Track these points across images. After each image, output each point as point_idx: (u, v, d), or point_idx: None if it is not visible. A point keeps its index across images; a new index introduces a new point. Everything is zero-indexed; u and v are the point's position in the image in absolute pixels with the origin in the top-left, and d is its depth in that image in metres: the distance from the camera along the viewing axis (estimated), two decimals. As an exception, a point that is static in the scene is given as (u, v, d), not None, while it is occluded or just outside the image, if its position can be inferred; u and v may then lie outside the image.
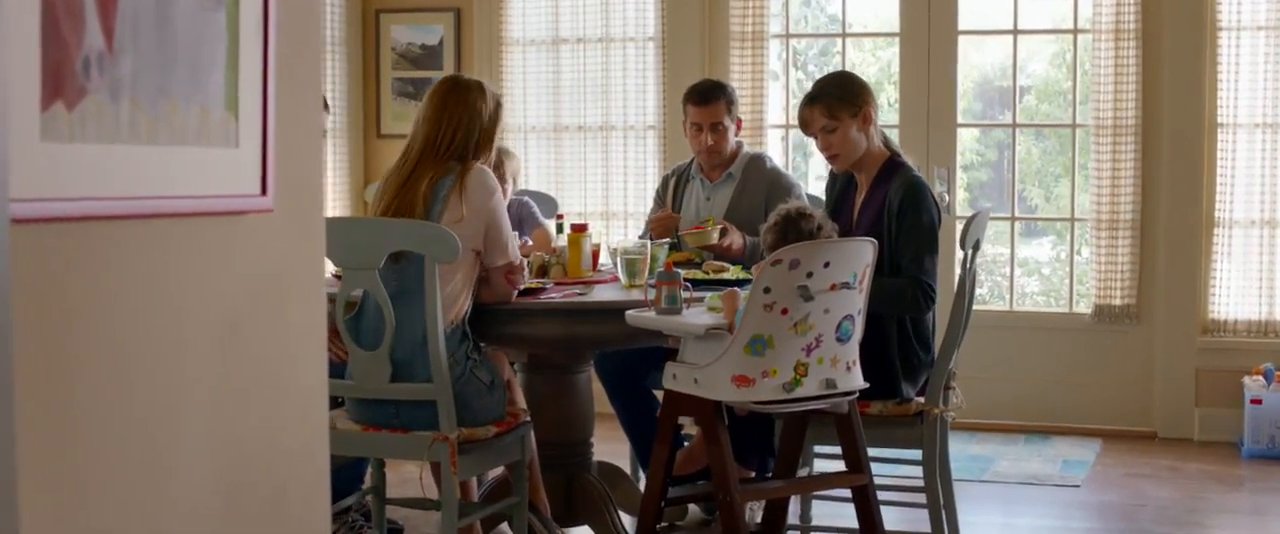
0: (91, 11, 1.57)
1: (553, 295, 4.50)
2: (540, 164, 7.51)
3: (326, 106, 5.08)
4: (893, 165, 4.66)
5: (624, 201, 7.38)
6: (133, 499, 1.70)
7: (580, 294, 4.56)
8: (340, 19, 7.39)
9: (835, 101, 4.66)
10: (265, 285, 1.91)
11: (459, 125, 4.25)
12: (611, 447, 5.95)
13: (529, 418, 4.45)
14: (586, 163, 7.45)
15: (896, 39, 7.21)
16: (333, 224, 4.30)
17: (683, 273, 4.61)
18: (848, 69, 7.09)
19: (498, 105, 4.37)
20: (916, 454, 4.61)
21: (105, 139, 1.60)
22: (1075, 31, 7.03)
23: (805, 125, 4.73)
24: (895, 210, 4.53)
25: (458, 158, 4.25)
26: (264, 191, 1.85)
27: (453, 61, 7.52)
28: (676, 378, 4.12)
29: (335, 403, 4.43)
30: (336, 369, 4.27)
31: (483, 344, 4.37)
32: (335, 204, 7.41)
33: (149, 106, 1.66)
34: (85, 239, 1.61)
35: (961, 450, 6.40)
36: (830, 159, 4.75)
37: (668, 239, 5.31)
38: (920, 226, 4.50)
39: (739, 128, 5.48)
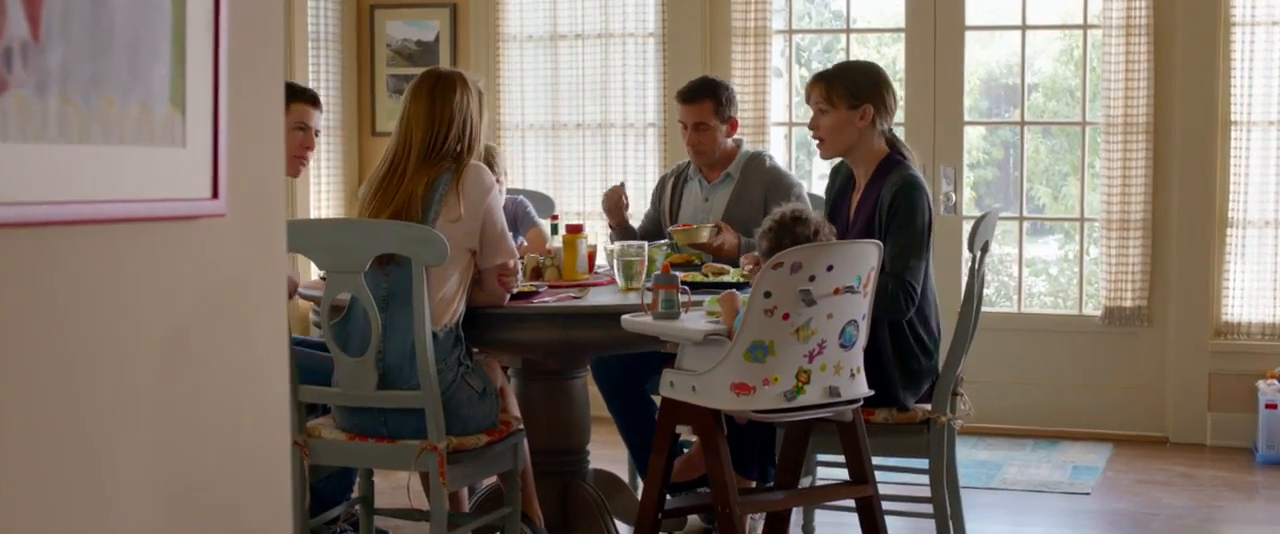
0: (14, -3, 1.42)
1: (546, 299, 4.35)
2: (538, 163, 7.36)
3: (319, 104, 4.91)
4: (891, 163, 4.51)
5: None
6: (67, 532, 1.55)
7: (575, 297, 4.41)
8: (333, 14, 7.25)
9: (839, 87, 4.51)
10: (218, 296, 1.75)
11: (448, 122, 4.10)
12: (609, 452, 5.81)
13: (522, 426, 4.30)
14: (585, 162, 7.29)
15: (902, 35, 7.06)
16: (317, 226, 4.16)
17: (681, 276, 4.46)
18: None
19: (481, 95, 4.22)
20: (923, 462, 4.47)
21: (30, 137, 1.45)
22: (1085, 27, 6.87)
23: (806, 99, 4.61)
24: (886, 207, 4.39)
25: (451, 156, 4.10)
26: (216, 194, 1.70)
27: (449, 58, 7.37)
28: (674, 385, 3.97)
29: (321, 410, 4.28)
30: (323, 375, 4.11)
31: (475, 350, 4.22)
32: (329, 203, 7.26)
33: (82, 102, 1.51)
34: (9, 247, 1.46)
35: (968, 456, 6.24)
36: (816, 141, 4.61)
37: (665, 240, 5.16)
38: (911, 225, 4.35)
39: (734, 128, 5.30)
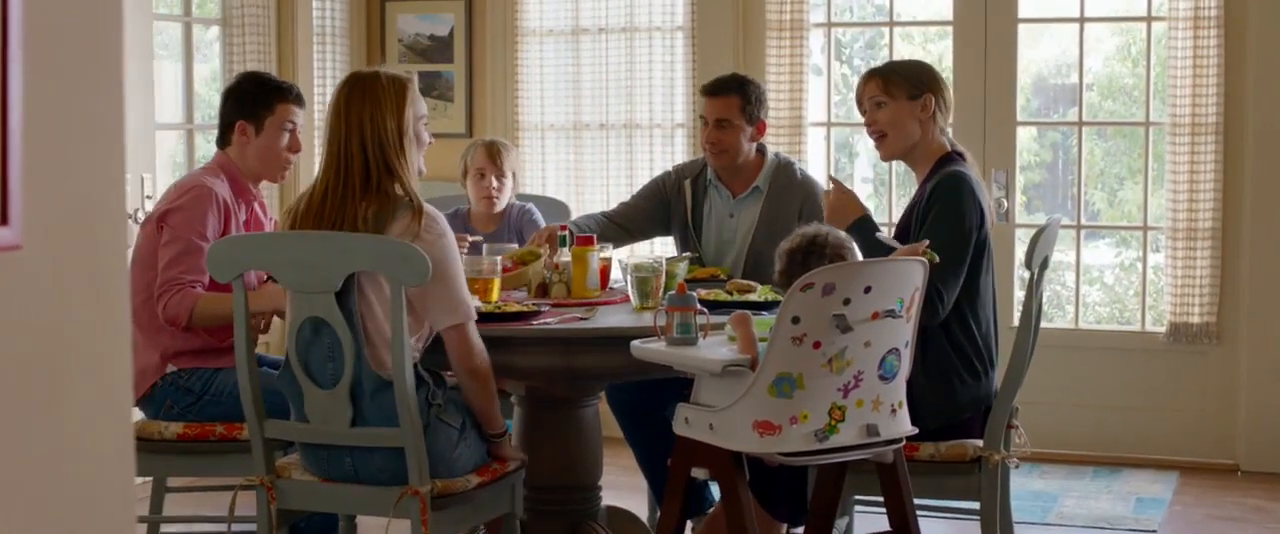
0: None
1: (548, 320, 3.87)
2: (558, 165, 6.88)
3: (303, 103, 4.41)
4: (946, 160, 4.04)
5: (650, 206, 6.74)
6: None
7: (582, 319, 3.92)
8: (342, 7, 6.79)
9: (897, 77, 4.12)
10: (17, 359, 1.28)
11: (380, 146, 3.53)
12: (627, 479, 5.33)
13: (519, 462, 3.80)
14: (609, 164, 6.81)
15: (949, 29, 6.55)
16: (281, 240, 3.69)
17: (702, 293, 3.99)
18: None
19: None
20: (973, 503, 3.97)
21: None
22: (1149, 19, 6.34)
23: (858, 101, 4.21)
24: (924, 203, 3.92)
25: (390, 186, 3.55)
26: (5, 220, 1.23)
27: (464, 53, 6.91)
28: (689, 422, 3.49)
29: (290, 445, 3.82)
30: (273, 409, 3.62)
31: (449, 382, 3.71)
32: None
33: None
34: None
35: (1022, 486, 5.72)
36: (876, 139, 4.16)
37: (689, 253, 4.67)
38: (944, 222, 3.86)
39: (761, 132, 4.78)
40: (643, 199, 4.95)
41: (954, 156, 4.08)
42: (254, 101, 4.27)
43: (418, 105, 3.62)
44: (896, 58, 6.25)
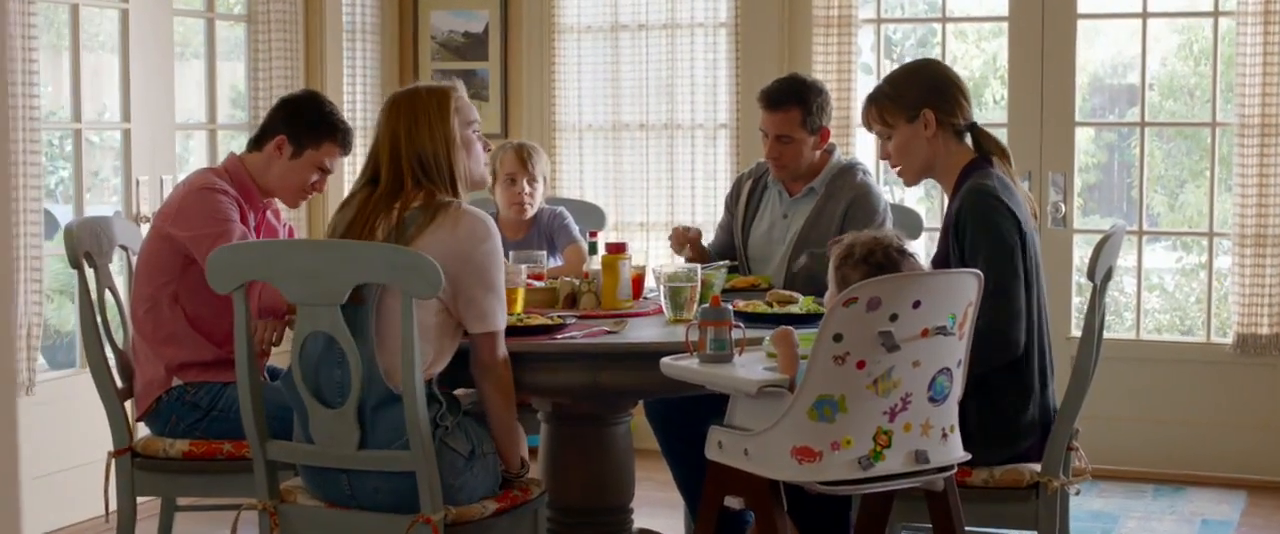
0: None
1: (573, 333, 3.61)
2: (596, 168, 6.64)
3: (348, 149, 4.12)
4: (971, 169, 3.75)
5: (691, 210, 6.50)
6: None
7: (609, 332, 3.67)
8: (374, 4, 6.57)
9: (888, 102, 3.82)
10: None
11: (420, 160, 3.38)
12: (661, 496, 5.10)
13: (542, 488, 3.56)
14: (649, 166, 6.57)
15: (1005, 25, 6.27)
16: (285, 248, 3.47)
17: (739, 304, 3.74)
18: (939, 59, 6.17)
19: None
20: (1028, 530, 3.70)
21: None
22: (1216, 14, 6.03)
23: (866, 128, 3.92)
24: (953, 228, 3.64)
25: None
26: None
27: (499, 51, 6.68)
28: (723, 447, 3.24)
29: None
30: (283, 426, 3.40)
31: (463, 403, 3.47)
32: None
33: None
34: None
35: (1079, 506, 5.43)
36: (896, 172, 3.88)
37: (725, 261, 4.41)
38: (988, 248, 3.56)
39: (825, 139, 4.53)
40: (722, 230, 4.79)
41: (978, 163, 3.78)
42: (306, 126, 4.06)
43: (465, 112, 3.48)
44: (898, 66, 5.82)
